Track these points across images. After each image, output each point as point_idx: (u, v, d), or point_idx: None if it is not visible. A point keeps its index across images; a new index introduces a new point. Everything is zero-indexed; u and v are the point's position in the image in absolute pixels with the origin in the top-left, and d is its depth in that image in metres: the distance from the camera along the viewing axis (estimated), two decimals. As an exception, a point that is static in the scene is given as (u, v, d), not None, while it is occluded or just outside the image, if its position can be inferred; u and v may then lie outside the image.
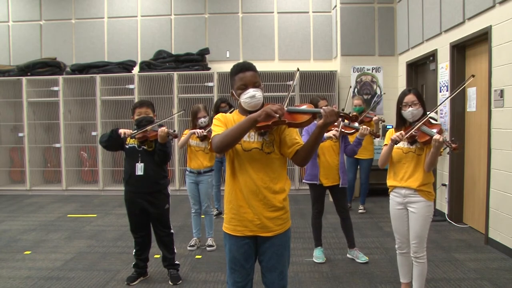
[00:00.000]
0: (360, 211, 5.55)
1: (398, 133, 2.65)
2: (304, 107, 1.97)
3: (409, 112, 2.69)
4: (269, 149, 1.95)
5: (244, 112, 1.98)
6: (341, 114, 1.84)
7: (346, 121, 3.45)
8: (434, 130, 2.57)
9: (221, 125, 1.96)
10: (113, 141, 3.15)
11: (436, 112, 5.10)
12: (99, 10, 7.78)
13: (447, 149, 2.51)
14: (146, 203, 3.19)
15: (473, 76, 2.83)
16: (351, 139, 3.78)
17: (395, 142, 2.64)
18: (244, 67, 1.95)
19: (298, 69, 2.30)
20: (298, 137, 1.99)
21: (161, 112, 6.43)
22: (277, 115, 1.76)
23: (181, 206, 5.98)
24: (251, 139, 1.94)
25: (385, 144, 2.80)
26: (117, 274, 3.49)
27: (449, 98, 3.09)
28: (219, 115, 2.02)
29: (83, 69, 7.26)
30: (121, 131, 3.11)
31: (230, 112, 2.13)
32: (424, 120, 2.64)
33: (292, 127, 1.95)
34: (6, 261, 3.82)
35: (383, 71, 7.03)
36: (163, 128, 3.05)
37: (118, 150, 3.30)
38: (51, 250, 4.16)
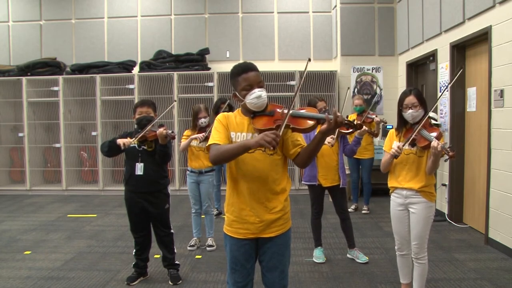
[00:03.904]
0: (364, 211, 5.53)
1: (396, 147, 2.61)
2: (304, 111, 1.94)
3: (409, 114, 2.68)
4: (271, 150, 1.93)
5: (247, 112, 1.97)
6: (346, 122, 1.82)
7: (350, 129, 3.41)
8: (433, 134, 2.56)
9: (221, 130, 1.94)
10: (113, 152, 3.15)
11: (436, 112, 5.10)
12: (99, 10, 7.78)
13: (445, 156, 2.50)
14: (146, 203, 3.19)
15: (461, 68, 2.86)
16: (350, 139, 3.78)
17: (395, 156, 2.63)
18: (247, 68, 1.93)
19: (309, 59, 2.13)
20: (300, 139, 1.99)
21: (161, 112, 6.41)
22: (271, 147, 1.72)
23: (181, 206, 5.98)
24: None
25: (384, 150, 2.79)
26: (117, 274, 3.49)
27: (445, 90, 3.12)
28: (221, 116, 2.00)
29: (83, 69, 7.26)
30: (120, 142, 3.05)
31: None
32: (423, 122, 2.63)
33: (296, 132, 1.94)
34: (6, 261, 3.82)
35: (383, 71, 7.03)
36: (161, 129, 3.04)
37: (119, 154, 3.29)
38: (51, 250, 4.16)
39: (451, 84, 2.97)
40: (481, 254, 3.84)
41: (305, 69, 1.98)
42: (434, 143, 2.46)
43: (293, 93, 6.80)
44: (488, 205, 4.05)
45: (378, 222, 5.03)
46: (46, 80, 7.14)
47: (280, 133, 1.77)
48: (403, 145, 2.62)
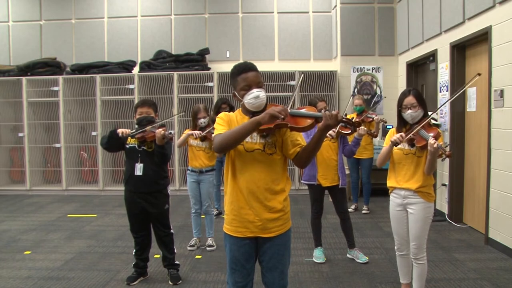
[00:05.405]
0: (364, 211, 5.53)
1: (398, 135, 2.63)
2: (304, 110, 1.94)
3: (408, 115, 2.68)
4: (271, 150, 1.94)
5: (247, 112, 1.98)
6: (344, 119, 1.83)
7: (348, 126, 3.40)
8: (431, 134, 2.56)
9: (224, 124, 1.94)
10: (113, 142, 3.13)
11: (437, 112, 5.10)
12: (99, 10, 7.78)
13: (443, 155, 2.50)
14: (145, 203, 3.19)
15: (479, 74, 2.82)
16: (350, 139, 3.78)
17: (395, 144, 2.63)
18: (246, 67, 1.93)
19: (301, 75, 2.28)
20: (300, 138, 1.99)
21: (161, 112, 6.41)
22: (282, 116, 1.73)
23: (181, 206, 5.98)
24: (253, 140, 1.93)
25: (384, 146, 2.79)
26: (117, 274, 3.49)
27: (452, 99, 3.07)
28: (222, 114, 2.01)
29: (83, 69, 7.26)
30: (120, 130, 3.09)
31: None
32: (423, 124, 2.63)
33: (294, 131, 1.93)
34: (6, 261, 3.82)
35: (383, 71, 7.03)
36: (159, 130, 3.03)
37: (119, 150, 3.29)
38: (51, 250, 4.16)
39: (467, 86, 2.85)
40: (481, 254, 3.84)
41: (299, 81, 2.05)
42: (431, 140, 2.47)
43: (293, 93, 6.81)
44: (488, 205, 4.05)
45: (378, 222, 5.03)
46: (46, 80, 7.14)
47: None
48: (406, 137, 2.61)
